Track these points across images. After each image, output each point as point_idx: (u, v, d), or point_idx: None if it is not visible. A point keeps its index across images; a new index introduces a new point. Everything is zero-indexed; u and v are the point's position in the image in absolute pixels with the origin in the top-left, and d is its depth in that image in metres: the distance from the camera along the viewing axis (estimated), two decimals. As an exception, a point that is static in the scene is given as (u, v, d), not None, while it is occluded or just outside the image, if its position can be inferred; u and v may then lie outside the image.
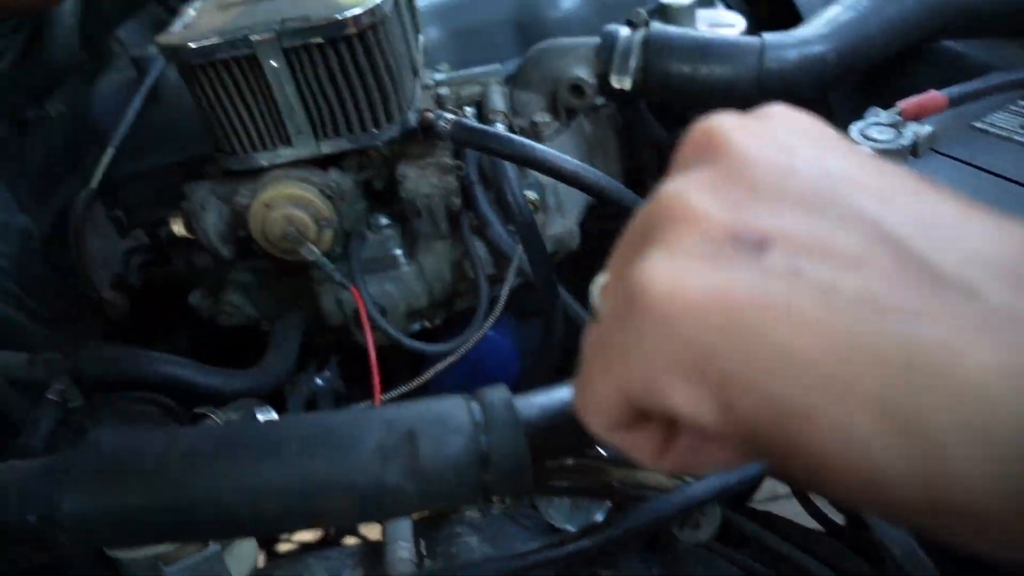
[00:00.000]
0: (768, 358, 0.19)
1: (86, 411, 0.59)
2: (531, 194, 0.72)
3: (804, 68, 0.65)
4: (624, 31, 0.69)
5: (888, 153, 0.51)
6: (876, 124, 0.53)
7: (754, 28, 0.87)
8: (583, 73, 0.70)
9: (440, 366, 0.65)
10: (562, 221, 0.78)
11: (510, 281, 0.67)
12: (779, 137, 0.23)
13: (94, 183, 0.67)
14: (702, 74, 0.66)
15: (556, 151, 0.60)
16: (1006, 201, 0.49)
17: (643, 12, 0.69)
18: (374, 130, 0.56)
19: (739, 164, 0.22)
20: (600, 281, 0.25)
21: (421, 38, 0.69)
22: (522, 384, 0.92)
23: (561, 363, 0.79)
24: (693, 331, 0.20)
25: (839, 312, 0.18)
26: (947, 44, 0.76)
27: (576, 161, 0.59)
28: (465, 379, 0.71)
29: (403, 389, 0.62)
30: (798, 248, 0.20)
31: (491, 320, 0.65)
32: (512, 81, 0.75)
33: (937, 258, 0.19)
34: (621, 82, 0.68)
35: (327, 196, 0.58)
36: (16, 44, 0.85)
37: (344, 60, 0.52)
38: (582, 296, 0.80)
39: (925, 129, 0.52)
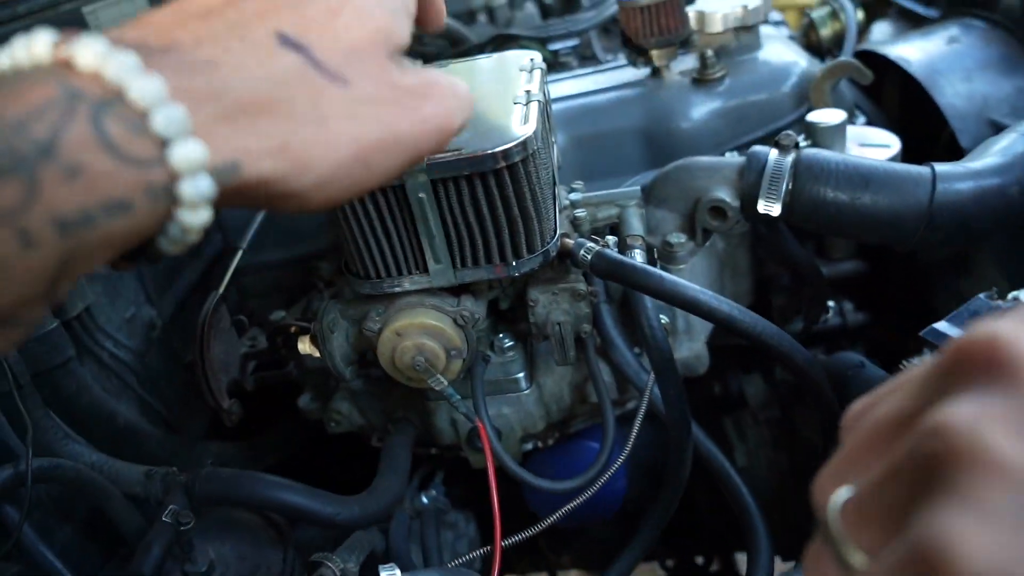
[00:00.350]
0: None
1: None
2: (663, 318, 0.68)
3: (981, 202, 0.59)
4: (773, 153, 0.65)
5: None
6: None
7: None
8: (725, 195, 0.66)
9: (566, 508, 0.59)
10: (690, 344, 0.73)
11: (640, 417, 0.62)
12: None
13: (221, 288, 0.67)
14: (862, 204, 0.61)
15: (699, 287, 0.55)
16: None
17: (793, 135, 0.65)
18: (514, 261, 0.53)
19: None
20: (841, 497, 0.22)
21: (556, 153, 0.67)
22: (627, 505, 0.86)
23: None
24: None
25: None
26: None
27: (728, 302, 0.54)
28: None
29: (526, 533, 0.58)
30: None
31: (619, 461, 0.60)
32: (646, 197, 0.72)
33: None
34: (769, 208, 0.64)
35: (459, 325, 0.55)
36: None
37: (491, 192, 0.50)
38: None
39: None
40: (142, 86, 0.25)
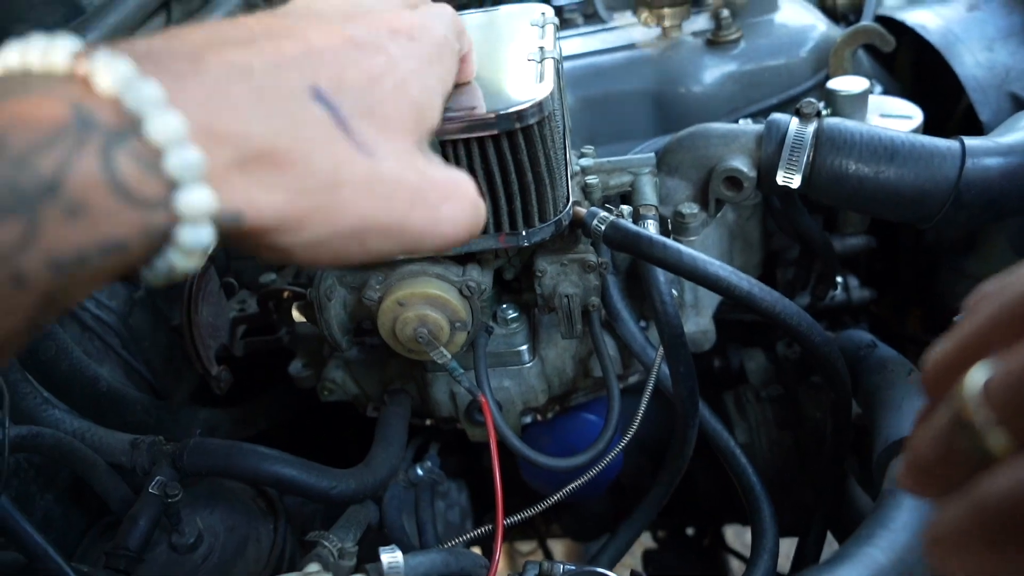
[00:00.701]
0: None
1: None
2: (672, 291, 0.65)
3: (1012, 180, 0.57)
4: (794, 122, 0.62)
5: None
6: None
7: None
8: (742, 164, 0.63)
9: (571, 487, 0.58)
10: (696, 319, 0.71)
11: (647, 395, 0.60)
12: None
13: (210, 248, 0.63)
14: (886, 178, 0.58)
15: (719, 262, 0.53)
16: None
17: (815, 102, 0.62)
18: (525, 230, 0.50)
19: None
20: (981, 375, 0.20)
21: (567, 115, 0.64)
22: (621, 478, 0.85)
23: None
24: None
25: None
26: None
27: (748, 278, 0.52)
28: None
29: (527, 513, 0.56)
30: None
31: (624, 441, 0.58)
32: (658, 165, 0.68)
33: None
34: (789, 179, 0.61)
35: (464, 296, 0.52)
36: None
37: (504, 156, 0.47)
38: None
39: None
40: (162, 123, 0.23)
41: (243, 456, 0.55)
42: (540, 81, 0.48)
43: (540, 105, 0.46)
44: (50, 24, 0.77)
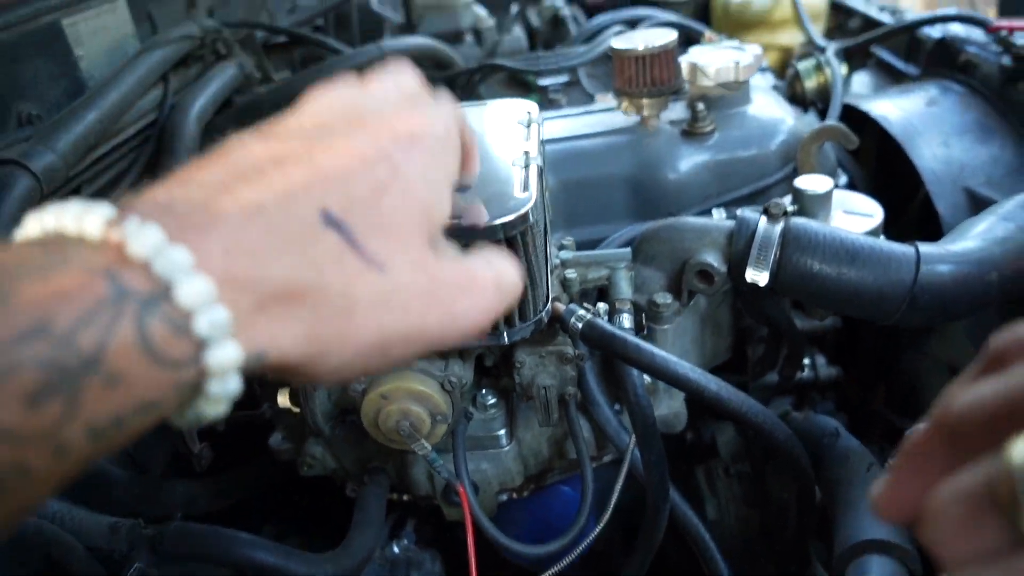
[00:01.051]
0: None
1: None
2: (645, 378, 0.68)
3: (963, 286, 0.60)
4: (763, 221, 0.66)
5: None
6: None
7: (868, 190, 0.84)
8: (713, 259, 0.67)
9: (550, 573, 0.59)
10: (669, 403, 0.73)
11: (621, 481, 0.62)
12: None
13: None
14: (848, 279, 0.62)
15: (688, 364, 0.56)
16: None
17: (782, 203, 0.66)
18: (507, 330, 0.52)
19: None
20: None
21: (548, 210, 0.67)
22: (595, 544, 0.86)
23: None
24: None
25: None
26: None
27: (716, 380, 0.54)
28: (539, 535, 0.66)
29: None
30: None
31: (599, 527, 0.60)
32: (634, 254, 0.72)
33: None
34: (757, 276, 0.64)
35: (445, 390, 0.54)
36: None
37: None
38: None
39: None
40: (191, 288, 0.24)
41: (222, 542, 0.55)
42: (525, 189, 0.51)
43: (525, 216, 0.49)
44: (53, 99, 0.79)
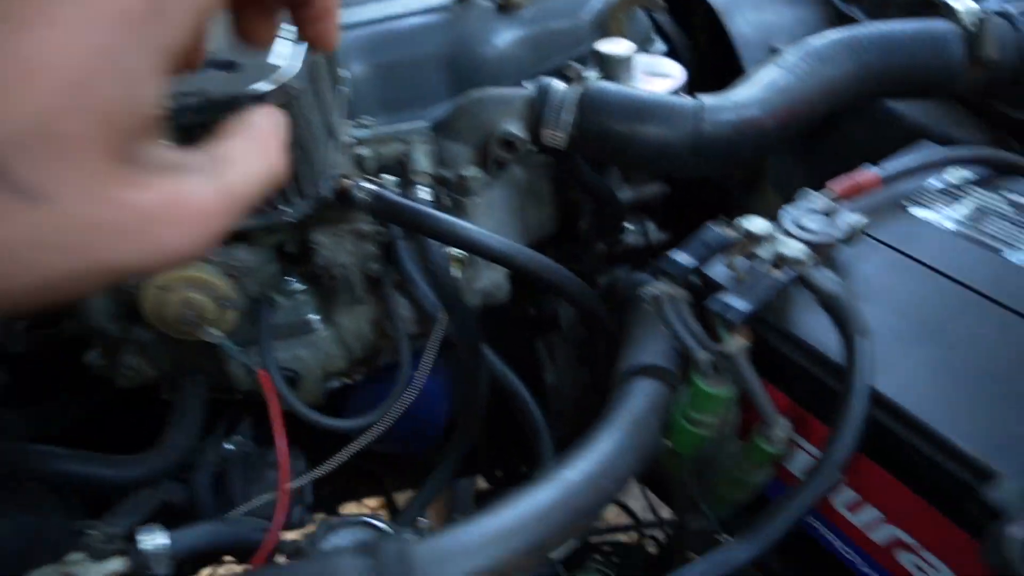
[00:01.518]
0: None
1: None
2: (456, 251, 0.69)
3: (742, 132, 0.63)
4: (559, 85, 0.66)
5: (822, 246, 0.49)
6: (810, 211, 0.51)
7: (695, 67, 0.86)
8: (515, 127, 0.67)
9: (363, 440, 0.61)
10: (490, 274, 0.75)
11: (434, 348, 0.64)
12: None
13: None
14: (639, 134, 0.64)
15: (495, 236, 0.56)
16: (948, 303, 0.48)
17: (578, 66, 0.66)
18: (283, 207, 0.51)
19: None
20: None
21: (345, 89, 0.64)
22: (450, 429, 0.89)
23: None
24: None
25: None
26: (886, 104, 0.76)
27: (506, 241, 0.56)
28: (398, 425, 0.68)
29: (324, 468, 0.58)
30: None
31: (404, 387, 0.62)
32: (441, 130, 0.71)
33: None
34: (554, 139, 0.65)
35: (230, 275, 0.53)
36: None
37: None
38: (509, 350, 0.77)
39: (858, 219, 0.50)
40: None
41: (24, 456, 0.54)
42: (287, 61, 0.49)
43: (284, 88, 0.47)
44: None
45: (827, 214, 0.51)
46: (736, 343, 0.43)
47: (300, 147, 0.50)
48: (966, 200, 0.57)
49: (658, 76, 0.75)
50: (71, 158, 0.22)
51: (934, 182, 0.59)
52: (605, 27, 0.84)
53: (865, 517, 0.47)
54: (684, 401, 0.46)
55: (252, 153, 0.29)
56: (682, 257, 0.48)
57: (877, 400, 0.42)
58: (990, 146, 0.64)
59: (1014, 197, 0.57)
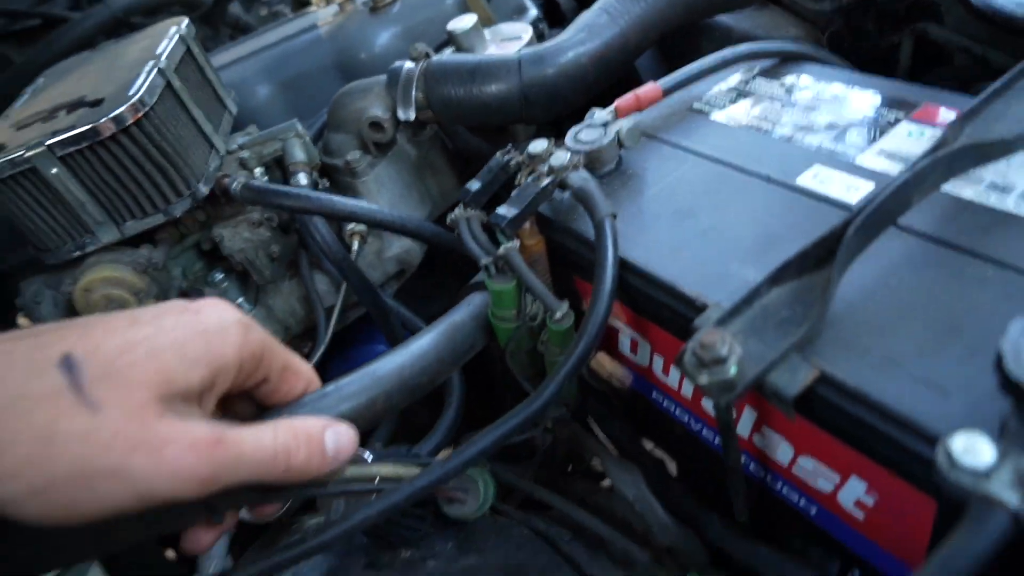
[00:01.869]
0: None
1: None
2: (358, 226, 0.79)
3: (564, 75, 0.72)
4: (407, 65, 0.76)
5: (597, 152, 0.57)
6: (588, 127, 0.59)
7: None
8: (379, 111, 0.77)
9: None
10: (398, 243, 0.85)
11: (339, 303, 0.75)
12: None
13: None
14: (474, 95, 0.73)
15: (351, 200, 0.67)
16: (707, 182, 0.55)
17: (422, 46, 0.76)
18: (165, 207, 0.63)
19: None
20: None
21: (232, 109, 0.76)
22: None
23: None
24: None
25: None
26: (716, 20, 0.83)
27: (362, 204, 0.66)
28: None
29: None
30: None
31: (319, 351, 0.73)
32: (328, 126, 0.82)
33: None
34: (406, 113, 0.75)
35: (141, 271, 0.65)
36: None
37: (117, 155, 0.60)
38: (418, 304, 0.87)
39: (626, 124, 0.58)
40: None
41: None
42: (140, 85, 0.61)
43: (134, 107, 0.59)
44: None
45: (604, 126, 0.59)
46: (508, 245, 0.52)
47: (165, 154, 0.62)
48: (748, 94, 0.64)
49: (509, 40, 0.84)
50: (129, 390, 0.33)
51: (722, 84, 0.66)
52: (467, 6, 0.94)
53: (673, 378, 0.55)
54: (490, 302, 0.56)
55: (280, 444, 0.38)
56: (472, 184, 0.57)
57: (627, 267, 0.50)
58: (794, 42, 0.70)
59: (787, 80, 0.63)
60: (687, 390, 0.54)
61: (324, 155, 0.81)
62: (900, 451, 0.37)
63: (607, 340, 0.58)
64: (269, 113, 0.91)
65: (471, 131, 0.86)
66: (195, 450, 0.34)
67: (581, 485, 0.64)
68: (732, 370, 0.39)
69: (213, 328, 0.37)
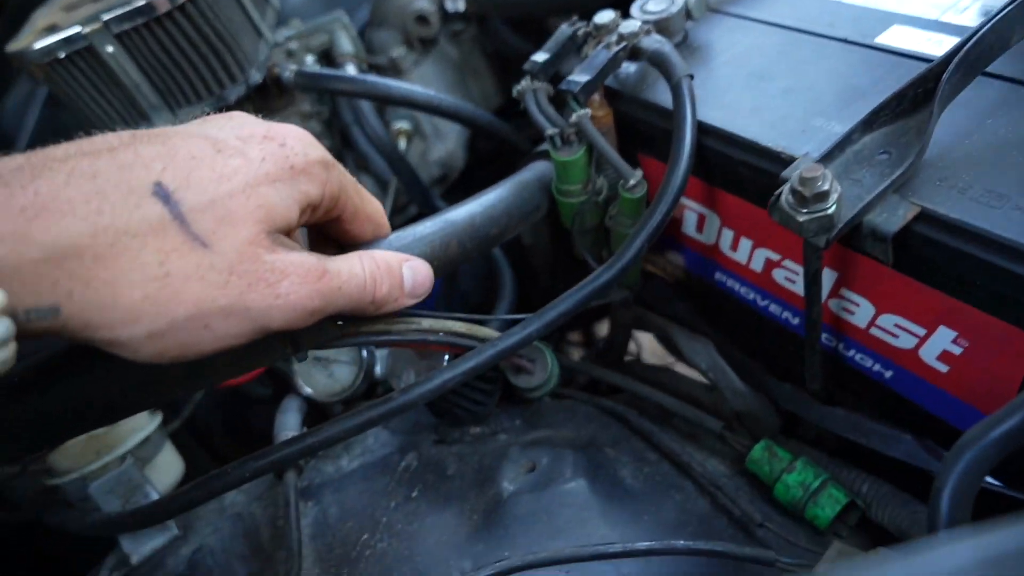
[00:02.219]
0: None
1: None
2: (404, 124, 0.78)
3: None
4: (455, -45, 0.74)
5: (664, 21, 0.56)
6: (654, -1, 0.58)
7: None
8: (425, 4, 0.75)
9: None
10: (442, 145, 0.84)
11: (389, 203, 0.74)
12: None
13: None
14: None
15: (408, 83, 0.66)
16: (780, 47, 0.54)
17: (467, -65, 0.74)
18: (220, 92, 0.62)
19: None
20: None
21: (274, 2, 0.74)
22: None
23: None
24: None
25: None
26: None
27: (415, 87, 0.65)
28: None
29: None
30: None
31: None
32: (370, 25, 0.80)
33: None
34: (455, 3, 0.73)
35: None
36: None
37: (173, 34, 0.58)
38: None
39: (696, -3, 0.57)
40: None
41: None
42: None
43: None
44: None
45: (671, -2, 0.57)
46: (580, 112, 0.51)
47: (220, 37, 0.61)
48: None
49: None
50: (235, 224, 0.32)
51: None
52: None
53: (742, 252, 0.54)
54: (554, 178, 0.55)
55: (358, 263, 0.38)
56: (539, 56, 0.56)
57: (704, 130, 0.49)
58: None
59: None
60: (757, 262, 0.54)
61: (367, 54, 0.79)
62: (1007, 281, 0.37)
63: (670, 223, 0.58)
64: (308, 12, 0.89)
65: (513, 30, 0.84)
66: (306, 282, 0.34)
67: (640, 369, 0.65)
68: (832, 208, 0.38)
69: (300, 163, 0.35)
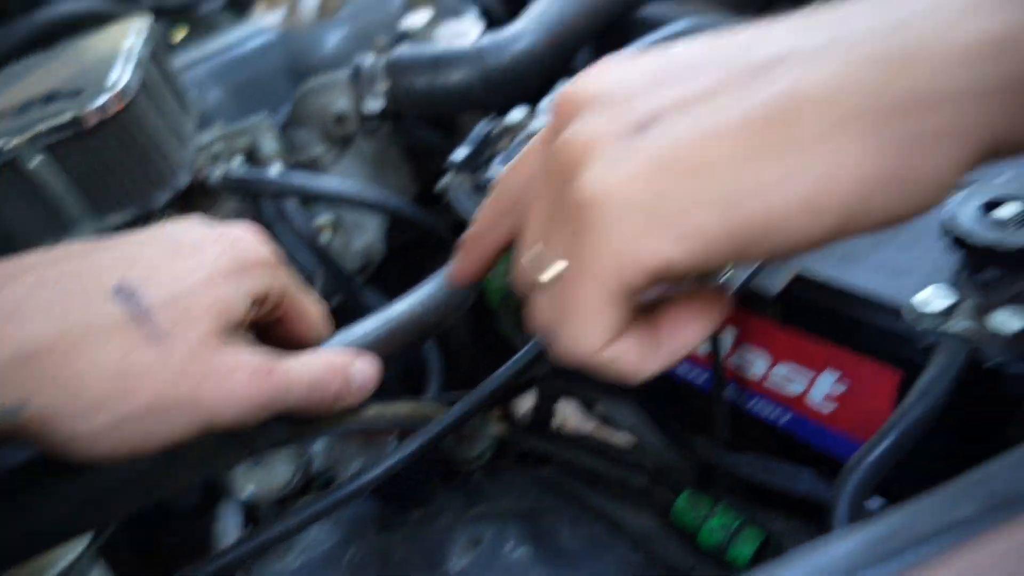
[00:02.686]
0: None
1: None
2: (326, 219, 0.82)
3: (520, 62, 0.77)
4: (369, 59, 0.80)
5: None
6: (556, 100, 0.65)
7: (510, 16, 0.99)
8: (343, 105, 0.80)
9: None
10: (363, 237, 0.87)
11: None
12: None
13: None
14: (439, 84, 0.78)
15: (336, 179, 0.69)
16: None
17: (383, 38, 0.80)
18: (147, 197, 0.64)
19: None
20: (533, 252, 0.30)
21: (193, 106, 0.78)
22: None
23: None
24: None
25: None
26: (651, 10, 0.90)
27: (344, 181, 0.69)
28: None
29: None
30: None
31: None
32: (290, 124, 0.84)
33: None
34: (373, 106, 0.79)
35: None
36: None
37: (100, 145, 0.60)
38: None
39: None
40: None
41: None
42: (118, 76, 0.61)
43: (118, 96, 0.59)
44: None
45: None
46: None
47: (149, 147, 0.63)
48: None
49: (459, 36, 0.89)
50: (192, 318, 0.34)
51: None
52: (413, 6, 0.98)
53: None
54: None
55: (317, 374, 0.40)
56: (459, 152, 0.62)
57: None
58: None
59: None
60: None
61: (289, 152, 0.83)
62: (869, 330, 0.44)
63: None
64: (230, 115, 0.92)
65: (425, 125, 0.91)
66: (256, 377, 0.36)
67: (566, 436, 0.69)
68: (726, 276, 0.44)
69: (252, 258, 0.38)
